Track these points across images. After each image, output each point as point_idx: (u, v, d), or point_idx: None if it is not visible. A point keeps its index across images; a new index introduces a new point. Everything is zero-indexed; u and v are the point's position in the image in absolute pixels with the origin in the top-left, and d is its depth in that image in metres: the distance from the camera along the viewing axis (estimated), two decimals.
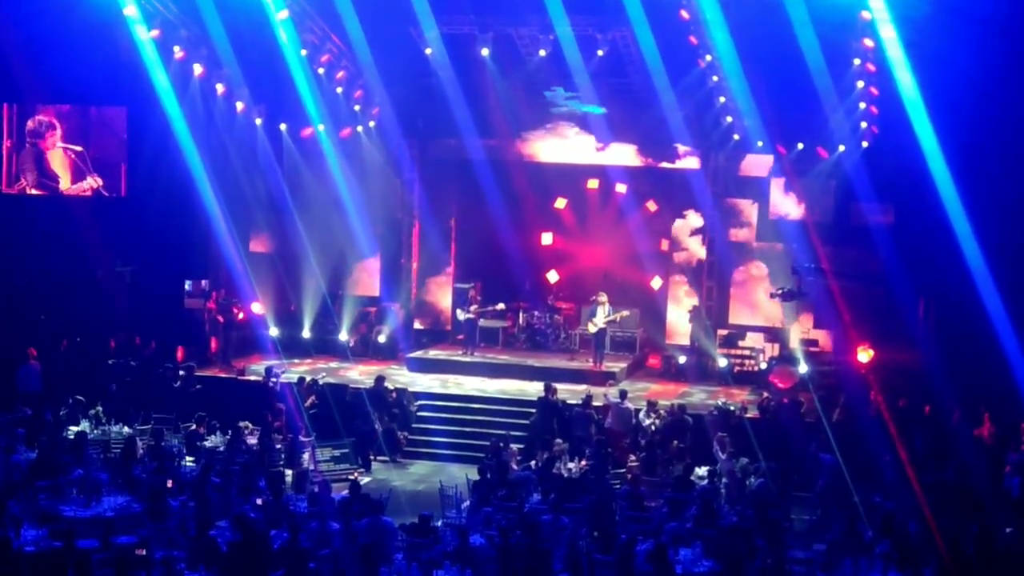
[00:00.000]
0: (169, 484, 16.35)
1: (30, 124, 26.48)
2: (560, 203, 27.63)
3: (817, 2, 21.01)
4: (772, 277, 26.17)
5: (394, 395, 22.07)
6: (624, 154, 26.72)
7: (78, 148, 26.48)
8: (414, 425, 21.94)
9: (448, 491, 16.95)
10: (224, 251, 26.00)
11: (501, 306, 26.37)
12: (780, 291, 24.83)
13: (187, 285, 27.39)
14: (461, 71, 24.81)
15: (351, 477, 18.39)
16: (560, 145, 26.98)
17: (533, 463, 18.63)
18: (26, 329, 24.20)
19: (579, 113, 26.28)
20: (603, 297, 24.94)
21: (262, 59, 24.07)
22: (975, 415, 20.19)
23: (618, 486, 17.45)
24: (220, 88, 25.30)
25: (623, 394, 20.90)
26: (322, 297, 27.18)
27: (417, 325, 28.07)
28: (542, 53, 24.34)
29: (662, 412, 20.46)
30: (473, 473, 17.66)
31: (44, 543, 14.01)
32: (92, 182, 26.48)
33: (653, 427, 20.14)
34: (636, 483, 17.04)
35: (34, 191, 26.56)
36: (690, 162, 26.19)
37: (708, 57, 23.53)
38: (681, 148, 25.98)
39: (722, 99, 24.84)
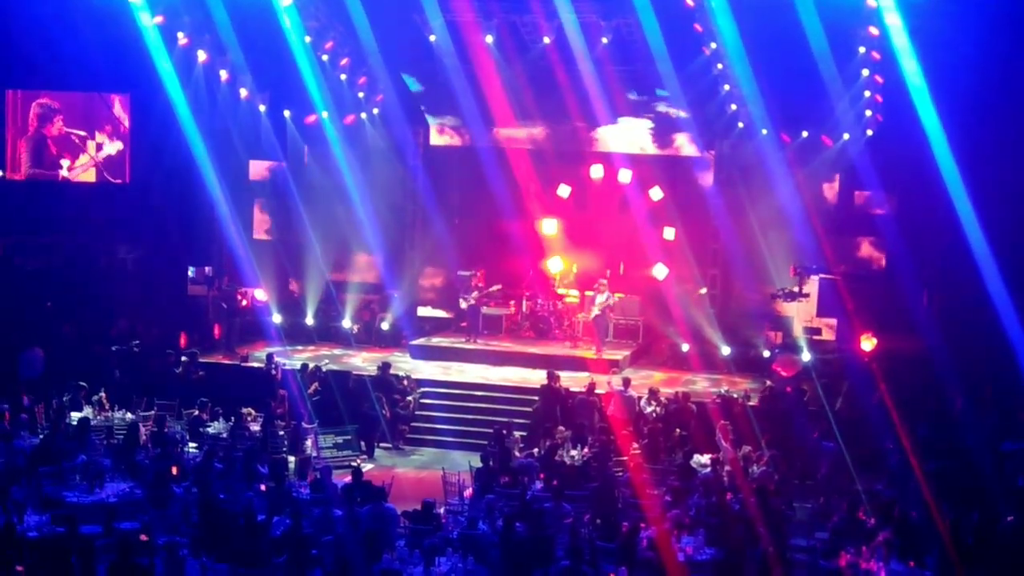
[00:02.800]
0: (173, 471, 16.39)
1: (34, 109, 26.51)
2: (563, 190, 27.57)
3: None
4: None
5: (404, 382, 22.08)
6: (633, 142, 26.72)
7: (81, 133, 26.50)
8: (417, 412, 21.93)
9: (451, 478, 16.96)
10: (227, 238, 26.04)
11: (498, 287, 26.32)
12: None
13: (190, 271, 27.47)
14: (465, 58, 24.79)
15: (354, 464, 18.39)
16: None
17: (536, 450, 18.64)
18: (29, 315, 24.22)
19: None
20: (603, 283, 24.90)
21: (266, 46, 24.04)
22: (979, 403, 20.17)
23: (620, 474, 17.46)
24: (224, 74, 25.26)
25: (626, 382, 20.88)
26: (325, 284, 27.19)
27: (421, 311, 28.07)
28: (546, 41, 24.32)
29: (664, 400, 20.45)
30: (476, 460, 17.67)
31: (47, 529, 14.05)
32: (95, 167, 26.51)
33: (655, 415, 20.14)
34: (639, 471, 17.04)
35: (37, 177, 26.57)
36: (693, 150, 26.13)
37: (713, 45, 23.46)
38: (685, 135, 25.94)
39: (727, 87, 24.77)
